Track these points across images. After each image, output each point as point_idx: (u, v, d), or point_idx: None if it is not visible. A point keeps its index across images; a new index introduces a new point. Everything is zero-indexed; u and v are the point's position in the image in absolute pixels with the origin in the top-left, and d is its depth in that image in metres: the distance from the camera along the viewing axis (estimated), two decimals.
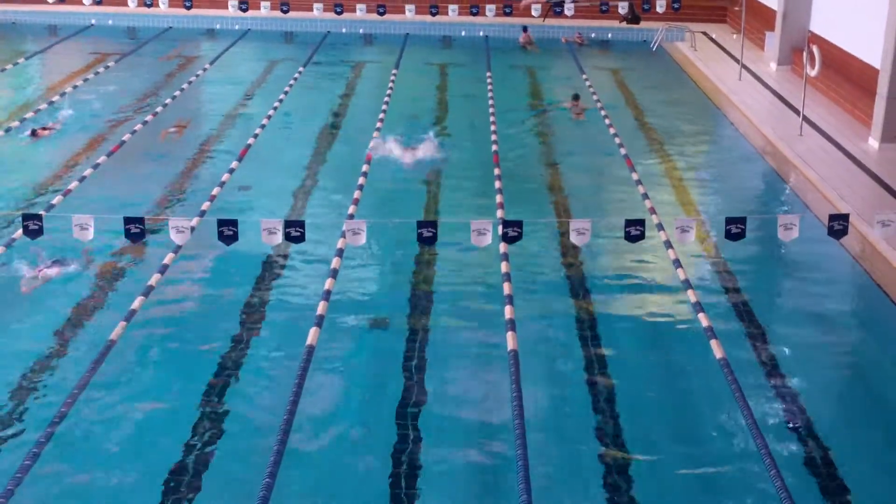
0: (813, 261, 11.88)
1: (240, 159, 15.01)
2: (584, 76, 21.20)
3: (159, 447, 8.09)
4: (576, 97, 19.01)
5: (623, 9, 23.71)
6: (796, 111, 16.86)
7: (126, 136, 16.09)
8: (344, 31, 25.62)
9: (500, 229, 9.73)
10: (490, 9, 21.44)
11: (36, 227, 9.60)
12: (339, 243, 11.35)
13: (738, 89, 19.47)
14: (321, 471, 7.86)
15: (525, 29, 24.93)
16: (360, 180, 13.95)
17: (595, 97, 19.21)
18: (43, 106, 17.90)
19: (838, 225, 9.73)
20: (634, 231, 9.59)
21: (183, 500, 7.42)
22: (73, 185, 13.56)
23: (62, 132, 16.58)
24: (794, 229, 9.69)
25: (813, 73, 17.03)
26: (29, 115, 17.33)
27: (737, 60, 21.04)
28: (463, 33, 25.75)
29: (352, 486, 7.70)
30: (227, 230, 9.45)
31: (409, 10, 21.15)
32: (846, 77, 17.75)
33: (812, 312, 10.81)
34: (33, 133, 16.02)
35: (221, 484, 7.66)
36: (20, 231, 10.23)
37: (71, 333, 9.90)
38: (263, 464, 7.52)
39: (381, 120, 17.23)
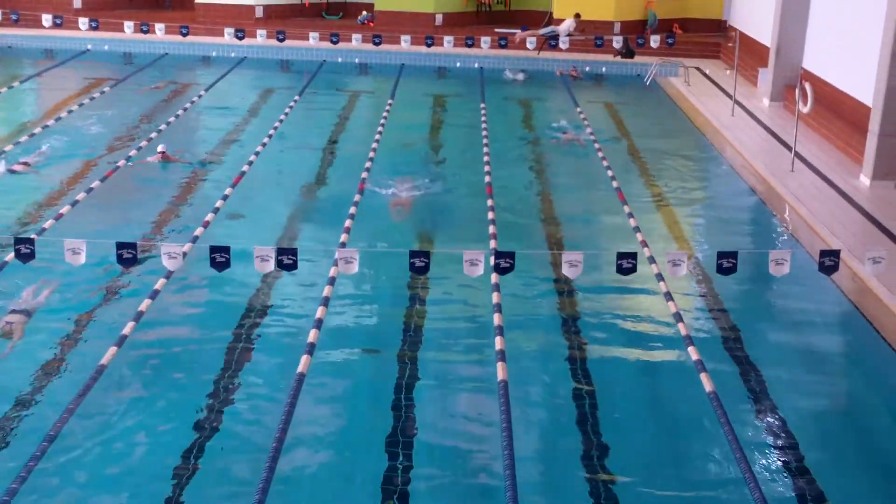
0: (803, 297, 11.90)
1: (233, 186, 15.03)
2: (578, 109, 21.32)
3: (146, 473, 8.04)
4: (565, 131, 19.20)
5: (618, 43, 23.95)
6: (788, 147, 16.96)
7: (121, 163, 16.10)
8: (340, 60, 25.77)
9: (492, 260, 9.74)
10: (485, 41, 21.62)
11: (28, 251, 9.59)
12: (332, 272, 11.34)
13: (730, 124, 19.60)
14: (310, 500, 7.81)
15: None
16: (352, 210, 13.97)
17: (588, 130, 19.31)
18: (37, 130, 17.91)
19: (829, 261, 9.77)
20: (627, 264, 9.61)
21: None
22: (66, 209, 13.55)
23: (53, 157, 16.60)
24: (786, 265, 9.72)
25: (805, 109, 17.15)
26: (22, 139, 17.34)
27: (730, 96, 21.18)
28: (458, 64, 25.90)
29: None
30: (220, 257, 9.45)
31: (405, 40, 21.28)
32: (838, 114, 17.88)
33: (802, 348, 10.82)
34: (11, 170, 15.57)
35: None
36: (11, 255, 10.22)
37: (61, 358, 9.85)
38: (251, 493, 7.46)
39: (375, 150, 17.29)
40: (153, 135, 17.82)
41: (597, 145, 18.11)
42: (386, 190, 15.08)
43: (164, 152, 16.08)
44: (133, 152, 16.63)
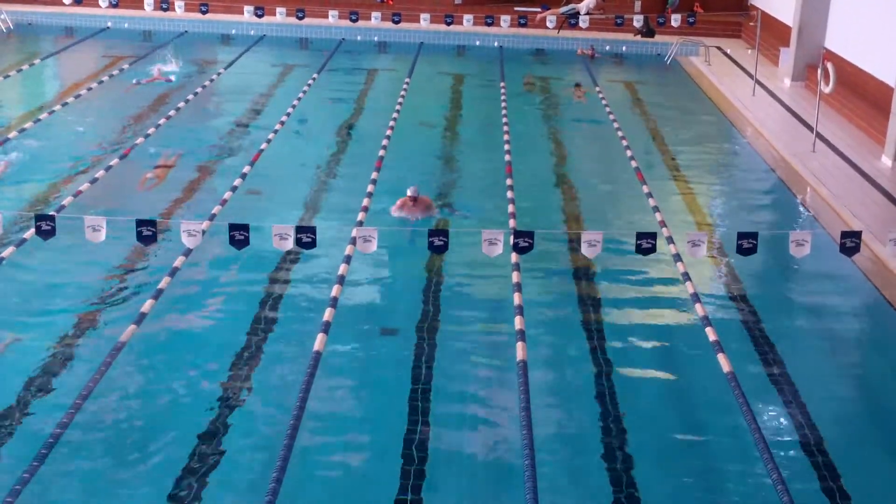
0: (824, 278, 11.84)
1: (252, 164, 15.03)
2: (598, 88, 21.20)
3: (164, 448, 8.10)
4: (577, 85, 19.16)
5: (638, 22, 23.79)
6: (810, 128, 16.82)
7: (139, 140, 16.12)
8: (359, 38, 25.68)
9: (511, 239, 9.72)
10: (505, 19, 21.50)
11: (48, 227, 9.63)
12: (348, 250, 11.34)
13: (751, 104, 19.45)
14: (327, 477, 7.85)
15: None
16: (370, 188, 13.95)
17: (608, 109, 19.20)
18: (56, 107, 17.95)
19: (850, 242, 9.70)
20: (646, 244, 9.57)
21: (190, 500, 7.42)
22: (85, 186, 13.59)
23: (72, 134, 16.66)
24: (806, 246, 9.66)
25: (827, 89, 17.00)
26: (42, 115, 17.39)
27: (751, 76, 21.02)
28: (477, 43, 25.78)
29: (358, 491, 7.70)
30: (239, 234, 9.46)
31: (424, 18, 21.18)
32: (860, 94, 17.72)
33: (822, 329, 10.77)
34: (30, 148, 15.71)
35: (228, 486, 7.65)
36: (31, 232, 10.29)
37: (80, 336, 9.91)
38: (269, 470, 7.50)
39: (392, 128, 17.25)
40: (171, 113, 17.82)
41: (616, 125, 18.01)
42: (404, 168, 15.05)
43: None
44: (151, 130, 16.63)
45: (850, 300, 11.58)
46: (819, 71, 16.80)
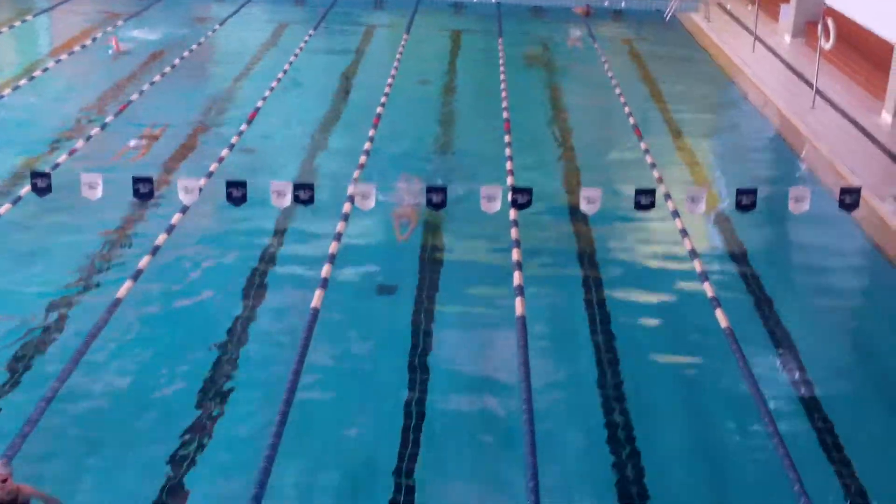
0: (823, 234, 11.82)
1: (249, 121, 14.94)
2: (596, 45, 21.04)
3: (164, 403, 8.13)
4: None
5: None
6: (809, 84, 16.72)
7: (134, 97, 16.01)
8: None
9: (509, 196, 9.68)
10: None
11: (44, 185, 9.57)
12: (346, 207, 11.29)
13: (751, 61, 19.31)
14: (325, 431, 7.87)
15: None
16: (367, 145, 13.87)
17: (606, 66, 19.06)
18: (50, 64, 17.80)
19: (849, 198, 9.66)
20: (645, 200, 9.52)
21: (191, 449, 7.44)
22: (80, 144, 13.51)
23: (69, 90, 16.55)
24: (805, 202, 9.62)
25: (827, 46, 16.87)
26: (36, 73, 17.25)
27: (750, 32, 20.85)
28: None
29: (356, 445, 7.73)
30: (236, 191, 9.41)
31: None
32: (860, 51, 17.60)
33: (820, 285, 10.78)
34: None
35: (226, 439, 7.68)
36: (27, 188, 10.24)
37: (79, 291, 9.90)
38: (271, 422, 7.51)
39: (390, 85, 17.12)
40: (167, 70, 17.68)
41: (614, 81, 17.89)
42: (401, 125, 14.97)
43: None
44: (146, 86, 16.50)
45: (849, 256, 11.57)
46: (819, 27, 16.66)
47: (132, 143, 13.69)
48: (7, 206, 11.37)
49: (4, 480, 6.59)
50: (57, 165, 12.55)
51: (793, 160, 14.44)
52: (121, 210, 11.51)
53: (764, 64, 19.17)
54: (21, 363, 8.57)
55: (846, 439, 7.91)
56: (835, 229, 11.77)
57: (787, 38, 21.07)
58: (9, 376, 8.37)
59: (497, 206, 9.44)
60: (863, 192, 10.06)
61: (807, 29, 20.68)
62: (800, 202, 9.66)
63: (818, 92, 16.39)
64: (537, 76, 18.99)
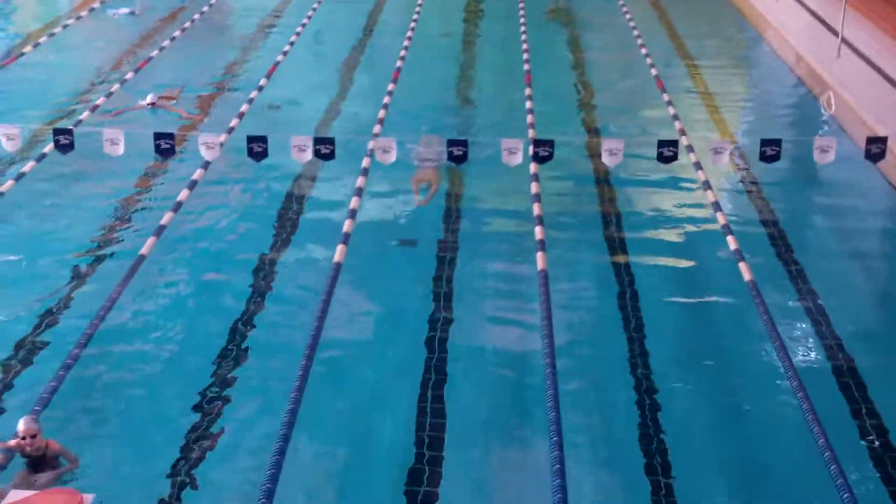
0: (848, 184, 11.70)
1: (268, 77, 14.89)
2: None
3: (183, 362, 8.20)
4: None
5: None
6: (835, 32, 16.46)
7: (154, 53, 15.99)
8: None
9: (531, 149, 9.64)
10: None
11: (67, 141, 9.61)
12: (365, 162, 11.28)
13: (774, 8, 19.02)
14: (344, 391, 7.91)
15: None
16: (386, 99, 13.81)
17: (627, 16, 18.83)
18: (57, 29, 17.76)
19: (876, 148, 9.58)
20: (668, 152, 9.48)
21: (213, 409, 7.51)
22: (101, 100, 13.53)
23: (89, 48, 16.52)
24: (831, 152, 9.54)
25: None
26: (42, 39, 17.24)
27: None
28: None
29: (376, 405, 7.78)
30: (257, 147, 9.43)
31: None
32: None
33: (845, 235, 10.68)
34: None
35: (246, 400, 7.72)
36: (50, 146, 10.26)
37: (104, 247, 9.96)
38: (291, 378, 7.55)
39: (410, 38, 17.01)
40: (187, 24, 17.60)
41: (636, 32, 17.69)
42: (421, 79, 14.88)
43: (153, 103, 13.61)
44: (166, 42, 16.46)
45: (874, 206, 11.45)
46: None
47: (149, 98, 13.63)
48: (31, 163, 11.41)
49: (34, 436, 6.69)
50: (79, 122, 12.57)
51: (817, 110, 14.27)
52: (139, 170, 11.54)
53: (788, 11, 18.86)
54: (46, 319, 8.65)
55: (877, 398, 7.87)
56: (861, 180, 11.64)
57: None
58: (34, 331, 8.45)
59: (518, 158, 9.40)
60: (889, 142, 9.95)
61: None
62: (825, 152, 9.58)
63: (844, 40, 16.15)
64: (557, 26, 18.78)
